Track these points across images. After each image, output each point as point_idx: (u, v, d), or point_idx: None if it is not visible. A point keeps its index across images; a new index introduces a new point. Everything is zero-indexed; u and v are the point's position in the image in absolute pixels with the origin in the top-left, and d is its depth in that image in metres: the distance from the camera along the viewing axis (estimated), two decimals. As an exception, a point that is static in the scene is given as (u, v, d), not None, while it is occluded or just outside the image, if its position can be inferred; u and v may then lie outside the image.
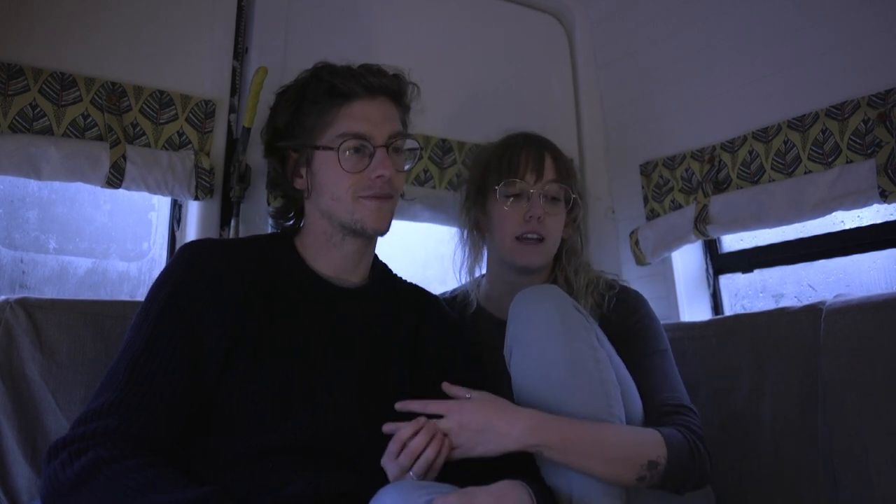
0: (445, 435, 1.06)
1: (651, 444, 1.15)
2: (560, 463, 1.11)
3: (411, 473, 1.04)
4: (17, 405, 1.28)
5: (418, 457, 1.04)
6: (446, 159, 1.91)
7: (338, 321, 1.20)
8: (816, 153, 1.61)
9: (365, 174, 1.17)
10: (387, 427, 1.07)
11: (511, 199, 1.44)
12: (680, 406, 1.27)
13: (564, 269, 1.47)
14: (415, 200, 1.72)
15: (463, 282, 1.57)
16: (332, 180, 1.18)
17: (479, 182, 1.50)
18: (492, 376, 1.32)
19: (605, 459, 1.10)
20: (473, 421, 1.07)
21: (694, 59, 1.91)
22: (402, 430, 1.05)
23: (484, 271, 1.57)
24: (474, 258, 1.53)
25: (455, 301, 1.54)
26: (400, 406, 1.10)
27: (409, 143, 1.26)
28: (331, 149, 1.17)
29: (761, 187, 1.72)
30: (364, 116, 1.18)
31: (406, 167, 1.24)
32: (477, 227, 1.52)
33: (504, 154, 1.47)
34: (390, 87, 1.21)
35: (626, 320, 1.40)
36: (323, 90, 1.18)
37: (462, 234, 1.55)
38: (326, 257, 1.23)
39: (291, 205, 1.28)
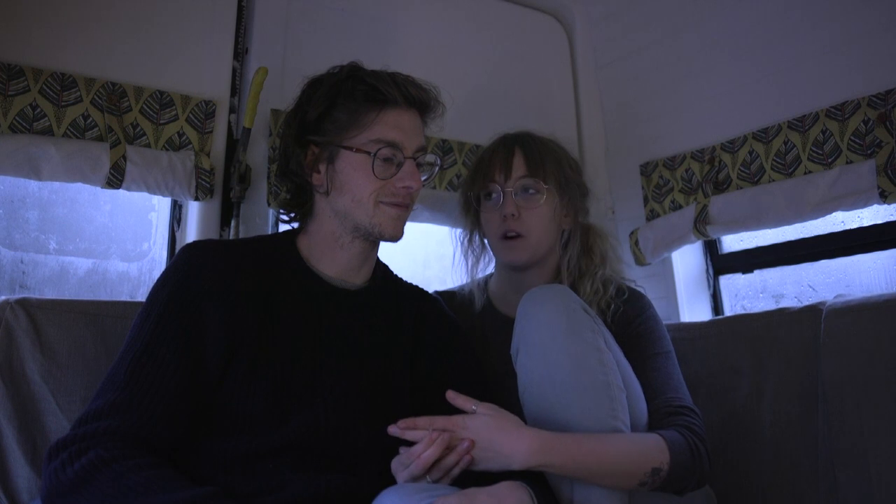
0: (472, 443, 1.06)
1: (654, 451, 1.15)
2: (565, 478, 1.11)
3: (428, 478, 1.04)
4: (18, 405, 1.28)
5: (431, 466, 1.03)
6: (446, 160, 1.91)
7: (339, 322, 1.20)
8: (816, 153, 1.61)
9: (391, 182, 1.18)
10: (391, 429, 1.07)
11: (490, 201, 1.47)
12: (682, 407, 1.27)
13: (572, 273, 1.46)
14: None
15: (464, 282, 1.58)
16: (357, 182, 1.17)
17: (467, 189, 1.54)
18: (497, 375, 1.32)
19: (609, 473, 1.10)
20: (477, 439, 1.07)
21: (694, 59, 1.91)
22: (416, 446, 1.04)
23: (490, 270, 1.59)
24: (475, 261, 1.56)
25: (455, 298, 1.55)
26: (405, 424, 1.07)
27: (429, 157, 1.29)
28: (365, 152, 1.17)
29: (761, 188, 1.72)
30: (398, 125, 1.18)
31: (423, 178, 1.25)
32: (478, 231, 1.54)
33: (481, 159, 1.51)
34: (424, 101, 1.22)
35: (630, 321, 1.40)
36: (362, 91, 1.17)
37: (462, 238, 1.57)
38: (331, 258, 1.23)
39: (303, 199, 1.25)
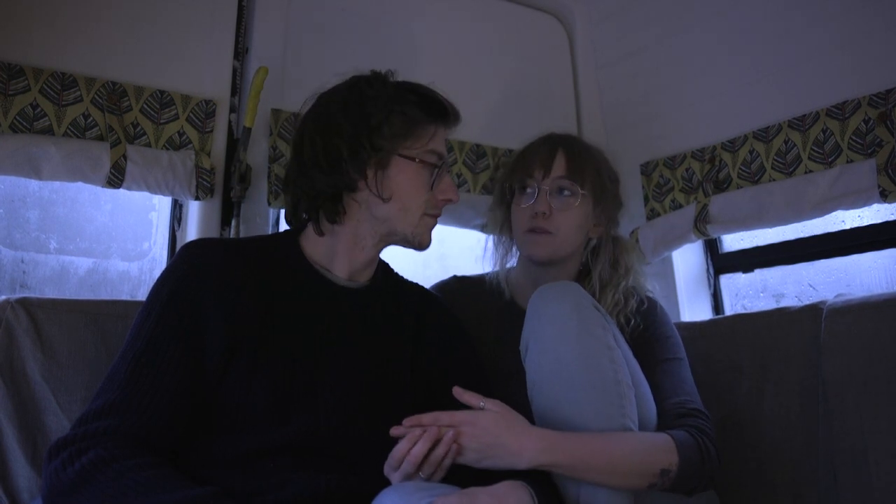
0: (459, 434, 1.05)
1: (663, 451, 1.15)
2: (572, 478, 1.11)
3: (421, 475, 1.03)
4: (18, 405, 1.28)
5: (422, 462, 1.03)
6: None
7: (340, 321, 1.20)
8: (817, 153, 1.61)
9: (434, 193, 1.21)
10: (395, 430, 1.06)
11: (524, 195, 1.47)
12: (693, 409, 1.27)
13: (603, 282, 1.46)
14: None
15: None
16: (409, 192, 1.18)
17: (504, 180, 1.56)
18: (500, 373, 1.32)
19: (617, 474, 1.10)
20: (485, 435, 1.06)
21: (694, 59, 1.91)
22: (401, 445, 1.04)
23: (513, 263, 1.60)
24: (504, 252, 1.57)
25: (484, 284, 1.55)
26: (410, 421, 1.06)
27: None
28: (426, 163, 1.19)
29: (762, 187, 1.72)
30: (442, 140, 1.23)
31: None
32: (507, 225, 1.55)
33: (523, 153, 1.52)
34: (455, 123, 1.25)
35: (646, 328, 1.40)
36: (417, 104, 1.19)
37: (493, 233, 1.59)
38: (347, 259, 1.22)
39: (336, 200, 1.19)
